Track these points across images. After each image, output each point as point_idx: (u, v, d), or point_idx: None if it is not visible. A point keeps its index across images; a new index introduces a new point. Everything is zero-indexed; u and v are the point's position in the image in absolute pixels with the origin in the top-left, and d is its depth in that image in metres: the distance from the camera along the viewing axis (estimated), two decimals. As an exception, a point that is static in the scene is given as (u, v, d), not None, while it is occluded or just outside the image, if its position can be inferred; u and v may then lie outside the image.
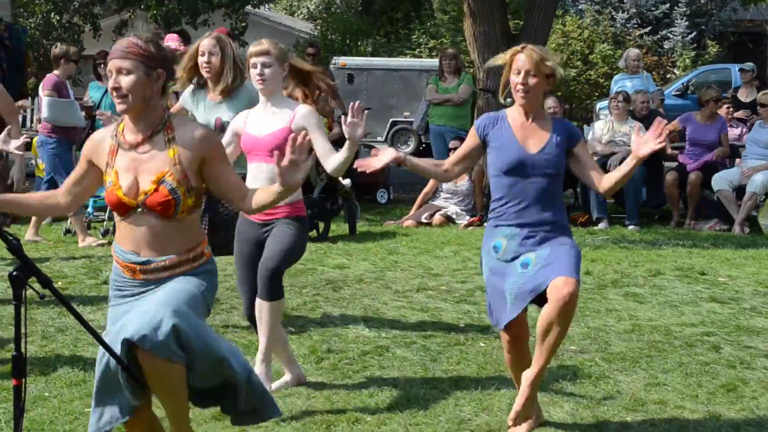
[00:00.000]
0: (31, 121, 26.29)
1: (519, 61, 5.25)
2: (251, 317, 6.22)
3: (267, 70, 5.92)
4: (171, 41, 12.00)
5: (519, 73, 5.23)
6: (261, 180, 5.84)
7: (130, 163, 4.29)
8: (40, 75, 32.21)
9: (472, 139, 5.48)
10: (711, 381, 6.48)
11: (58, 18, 31.35)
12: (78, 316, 4.04)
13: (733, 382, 6.42)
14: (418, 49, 32.52)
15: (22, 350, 3.88)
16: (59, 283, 8.90)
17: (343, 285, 9.19)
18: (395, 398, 6.07)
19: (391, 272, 9.88)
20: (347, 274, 9.73)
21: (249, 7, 33.68)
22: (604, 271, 9.97)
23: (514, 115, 5.39)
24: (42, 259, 10.17)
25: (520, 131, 5.32)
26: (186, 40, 13.56)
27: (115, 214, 4.40)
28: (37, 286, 3.96)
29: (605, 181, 5.33)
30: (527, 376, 5.23)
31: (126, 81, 4.20)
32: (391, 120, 25.84)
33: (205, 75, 6.94)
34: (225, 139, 6.09)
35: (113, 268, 4.51)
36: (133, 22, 31.98)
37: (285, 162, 4.17)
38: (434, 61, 28.84)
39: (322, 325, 7.74)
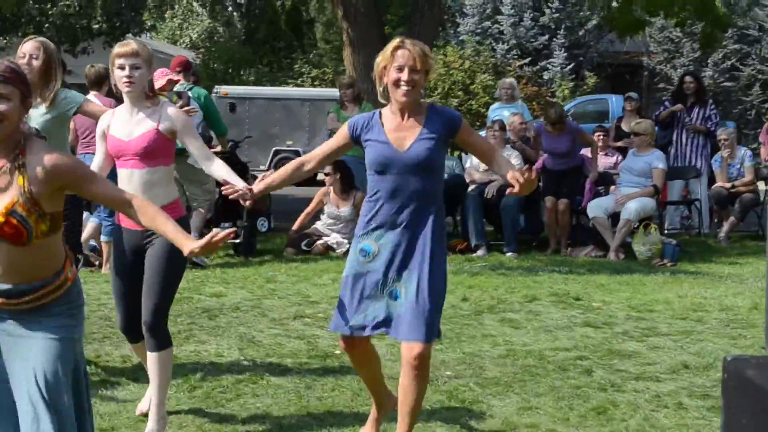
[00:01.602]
0: None
1: (401, 56, 5.14)
2: (126, 330, 6.04)
3: (136, 72, 5.68)
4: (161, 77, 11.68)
5: (402, 69, 5.12)
6: (133, 185, 5.64)
7: None
8: None
9: (342, 138, 5.39)
10: (582, 404, 6.55)
11: (-67, 44, 30.71)
12: None
13: (604, 405, 6.50)
14: (300, 79, 32.58)
15: None
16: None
17: (219, 313, 9.10)
18: (268, 426, 6.02)
19: (268, 300, 9.81)
20: (224, 302, 9.64)
21: (130, 35, 33.41)
22: (480, 297, 10.04)
23: (388, 114, 5.30)
24: None
25: (393, 131, 5.23)
26: (63, 68, 13.38)
27: None
28: None
29: (494, 166, 5.43)
30: None
31: (5, 107, 4.02)
32: (273, 149, 25.80)
33: None
34: (98, 149, 5.93)
35: None
36: (11, 48, 31.47)
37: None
38: (317, 91, 28.99)
39: (197, 354, 7.65)
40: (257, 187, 5.47)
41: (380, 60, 5.24)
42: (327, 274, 11.28)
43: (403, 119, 5.24)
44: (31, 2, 30.25)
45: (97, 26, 31.43)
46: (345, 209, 13.27)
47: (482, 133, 15.70)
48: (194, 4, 43.28)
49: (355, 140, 5.34)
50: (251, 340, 8.14)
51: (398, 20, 32.96)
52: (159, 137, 5.71)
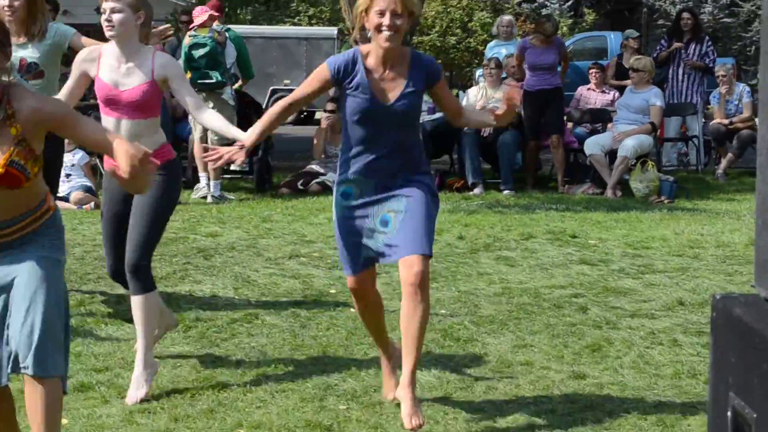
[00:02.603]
0: None
1: (383, 1, 4.90)
2: (116, 275, 5.96)
3: (116, 16, 5.50)
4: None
5: (383, 13, 4.90)
6: (121, 134, 5.32)
7: None
8: None
9: (322, 80, 5.16)
10: (577, 341, 6.55)
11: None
12: None
13: (599, 342, 6.50)
14: (297, 17, 32.32)
15: None
16: None
17: (215, 253, 9.09)
18: (263, 365, 6.03)
19: (264, 240, 9.80)
20: (219, 242, 9.62)
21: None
22: (477, 235, 10.02)
23: (371, 61, 5.08)
24: None
25: (376, 84, 5.06)
26: (55, 9, 13.29)
27: None
28: None
29: (463, 120, 5.44)
30: (403, 384, 5.08)
31: None
32: (271, 88, 25.66)
33: (7, 18, 6.60)
34: (70, 79, 5.78)
35: None
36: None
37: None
38: (314, 29, 28.79)
39: (192, 294, 7.65)
40: (249, 138, 5.33)
41: (360, 3, 5.02)
42: (323, 213, 11.25)
43: (385, 69, 5.06)
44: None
45: (92, -35, 31.17)
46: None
47: (479, 71, 15.67)
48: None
49: (337, 84, 5.15)
50: (246, 279, 8.14)
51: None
52: (152, 88, 5.60)
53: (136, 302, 5.67)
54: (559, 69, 13.99)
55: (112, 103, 5.61)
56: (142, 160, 3.96)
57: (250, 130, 5.37)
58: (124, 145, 4.04)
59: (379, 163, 5.10)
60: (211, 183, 12.52)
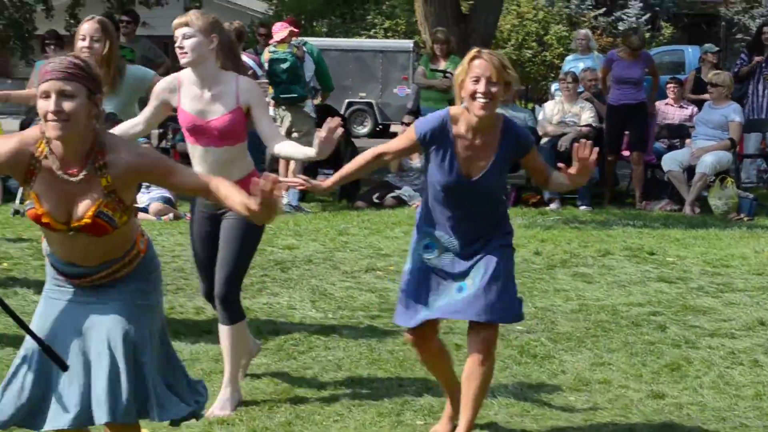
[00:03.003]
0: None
1: (478, 67, 4.79)
2: (208, 296, 5.91)
3: (187, 42, 5.43)
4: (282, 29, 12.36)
5: (478, 80, 4.76)
6: (209, 163, 5.51)
7: (56, 188, 3.98)
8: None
9: (410, 142, 5.05)
10: (655, 360, 6.50)
11: (5, -1, 30.94)
12: (22, 324, 3.92)
13: (678, 362, 6.44)
14: (373, 30, 32.42)
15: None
16: (4, 264, 8.82)
17: (292, 266, 9.15)
18: (340, 379, 6.05)
19: (340, 253, 9.84)
20: (296, 254, 9.68)
21: (203, -14, 33.48)
22: (553, 251, 9.98)
23: (460, 129, 4.93)
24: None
25: (464, 152, 4.92)
26: (135, 20, 13.49)
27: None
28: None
29: (551, 187, 5.33)
30: None
31: (69, 105, 3.85)
32: (347, 101, 25.78)
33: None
34: (149, 108, 5.73)
35: (48, 264, 4.31)
36: (86, 1, 31.71)
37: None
38: (390, 42, 28.85)
39: (269, 306, 7.71)
40: (331, 181, 5.24)
41: (458, 72, 4.91)
42: (399, 226, 11.27)
43: (475, 138, 4.93)
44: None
45: (171, -22, 31.50)
46: (418, 161, 13.23)
47: (555, 85, 15.60)
48: (267, -45, 43.27)
49: (424, 146, 5.01)
50: (323, 292, 8.18)
51: (471, -29, 32.68)
52: (238, 115, 5.51)
53: (225, 332, 5.69)
54: (645, 84, 13.83)
55: (199, 132, 5.54)
56: (271, 190, 3.96)
57: (336, 174, 5.27)
58: (237, 191, 4.05)
59: (461, 226, 5.00)
60: (290, 191, 12.70)
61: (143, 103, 6.07)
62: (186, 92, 5.58)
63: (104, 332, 4.09)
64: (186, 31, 5.44)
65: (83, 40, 6.54)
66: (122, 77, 6.70)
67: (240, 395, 5.72)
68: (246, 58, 11.73)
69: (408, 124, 13.30)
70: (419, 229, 5.15)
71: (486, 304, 4.90)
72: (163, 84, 5.72)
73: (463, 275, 5.03)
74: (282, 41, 12.70)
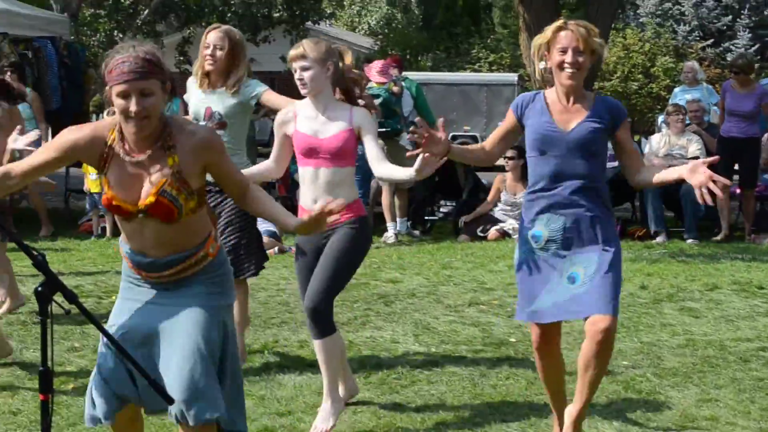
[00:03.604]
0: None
1: (564, 38, 4.93)
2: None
3: (306, 74, 5.66)
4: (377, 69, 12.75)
5: (565, 51, 4.91)
6: (318, 185, 5.69)
7: (127, 171, 4.14)
8: (103, 92, 32.69)
9: (508, 120, 5.21)
10: (765, 397, 6.36)
11: (121, 36, 31.66)
12: (104, 331, 3.99)
13: (788, 399, 6.31)
14: (477, 64, 32.47)
15: (49, 365, 3.86)
16: (113, 297, 8.97)
17: (395, 299, 9.17)
18: (443, 414, 6.03)
19: (444, 286, 9.84)
20: (400, 288, 9.71)
21: (309, 23, 33.89)
22: (660, 285, 9.85)
23: (553, 97, 5.10)
24: (97, 273, 10.26)
25: (557, 112, 5.05)
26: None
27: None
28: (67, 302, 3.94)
29: (640, 178, 5.16)
30: (570, 413, 5.16)
31: (149, 102, 4.03)
32: (451, 134, 25.81)
33: (208, 67, 6.77)
34: (275, 146, 5.96)
35: (123, 262, 4.44)
36: (195, 38, 32.29)
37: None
38: (494, 76, 28.86)
39: (373, 340, 7.73)
40: (453, 149, 5.32)
41: (540, 41, 5.05)
42: (503, 260, 11.23)
43: (568, 102, 5.06)
44: (214, -7, 30.95)
45: (277, 15, 31.96)
46: (521, 195, 13.18)
47: (661, 117, 15.45)
48: (373, -10, 43.66)
49: (519, 119, 5.16)
50: (426, 326, 8.18)
51: (575, 3, 32.56)
52: (351, 136, 5.71)
53: (317, 346, 5.79)
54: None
55: (312, 152, 5.72)
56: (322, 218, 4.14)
57: (452, 146, 5.22)
58: (276, 204, 4.29)
59: (565, 200, 5.04)
60: (398, 220, 12.88)
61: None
62: (302, 116, 5.81)
63: (179, 333, 4.20)
64: (303, 64, 5.66)
65: (207, 48, 6.77)
66: (241, 87, 6.82)
67: (341, 404, 5.86)
68: None
69: (510, 158, 13.33)
70: (524, 222, 5.20)
71: (604, 298, 4.94)
72: (279, 117, 5.96)
73: (571, 263, 5.06)
74: (381, 82, 13.00)
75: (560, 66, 4.96)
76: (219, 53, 6.76)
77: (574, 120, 5.05)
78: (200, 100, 6.87)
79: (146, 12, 31.42)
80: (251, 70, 6.98)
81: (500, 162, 14.29)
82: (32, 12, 16.61)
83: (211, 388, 4.18)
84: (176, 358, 4.16)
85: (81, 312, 3.86)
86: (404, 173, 5.55)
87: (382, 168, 5.71)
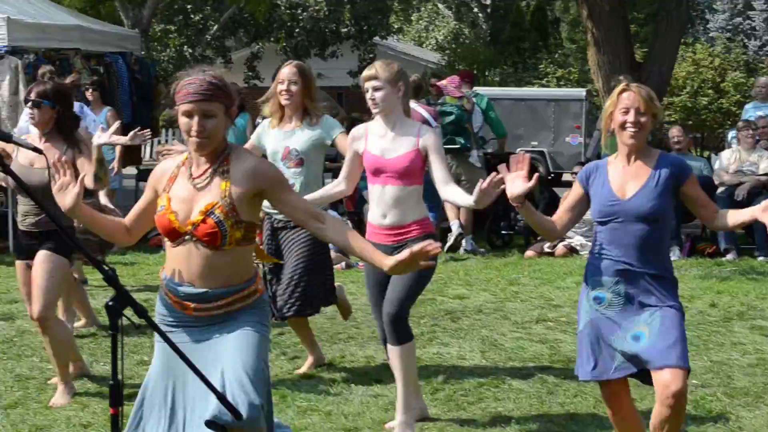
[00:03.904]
0: (151, 155, 26.83)
1: (627, 99, 4.98)
2: (385, 341, 6.09)
3: (378, 94, 5.82)
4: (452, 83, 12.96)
5: (627, 111, 4.95)
6: (386, 201, 5.85)
7: (185, 191, 4.28)
8: (173, 107, 33.08)
9: (575, 190, 5.21)
10: (838, 418, 6.27)
11: (190, 51, 32.03)
12: (173, 346, 4.02)
13: None
14: (545, 79, 32.37)
15: (119, 378, 3.90)
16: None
17: (462, 315, 9.16)
18: (509, 431, 6.01)
19: (511, 303, 9.81)
20: (467, 304, 9.69)
21: (377, 38, 34.03)
22: (730, 303, 9.74)
23: (615, 161, 5.10)
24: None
25: (617, 177, 5.03)
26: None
27: (165, 240, 4.39)
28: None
29: (717, 224, 5.09)
30: None
31: (211, 124, 4.19)
32: (518, 150, 25.72)
33: (284, 103, 6.88)
34: (346, 162, 6.12)
35: (160, 299, 4.48)
36: (264, 54, 32.55)
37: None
38: (562, 91, 28.74)
39: (439, 356, 7.72)
40: (527, 207, 5.30)
41: (607, 106, 5.09)
42: (570, 276, 11.17)
43: (628, 163, 5.05)
44: (282, 8, 31.18)
45: (345, 30, 32.15)
46: (589, 212, 13.09)
47: (732, 133, 15.29)
48: (440, 6, 43.74)
49: (586, 190, 5.15)
50: (493, 343, 8.16)
51: (644, 18, 32.35)
52: (417, 157, 5.85)
53: (394, 352, 5.88)
54: None
55: (380, 170, 5.90)
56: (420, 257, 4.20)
57: (530, 210, 5.16)
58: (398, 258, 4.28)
59: (627, 264, 4.98)
60: (465, 238, 12.93)
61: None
62: (372, 135, 5.98)
63: (233, 354, 4.25)
64: (375, 84, 5.84)
65: (282, 83, 6.89)
66: (318, 121, 6.93)
67: (415, 413, 5.95)
68: (421, 109, 11.97)
69: (577, 174, 13.28)
70: (587, 282, 5.15)
71: (673, 350, 4.85)
72: (352, 134, 6.13)
73: (635, 324, 4.98)
74: (456, 96, 13.11)
75: (623, 126, 4.99)
76: (294, 88, 6.88)
77: (634, 185, 5.01)
78: (278, 140, 6.96)
79: (215, 27, 31.74)
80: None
81: (568, 177, 14.29)
82: (104, 28, 16.83)
83: (262, 410, 4.23)
84: (232, 373, 4.21)
85: (150, 326, 3.89)
86: (465, 201, 5.62)
87: (446, 191, 5.85)
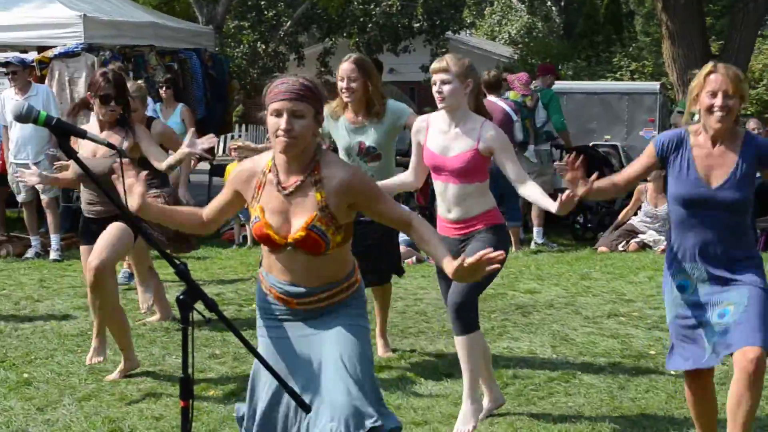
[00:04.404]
0: (224, 150, 27.01)
1: (714, 81, 4.89)
2: None
3: (445, 87, 5.72)
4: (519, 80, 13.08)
5: (714, 94, 4.86)
6: (449, 198, 5.83)
7: (278, 202, 4.25)
8: (246, 103, 33.22)
9: (649, 159, 5.12)
10: None
11: (264, 47, 32.20)
12: (242, 339, 4.03)
13: None
14: (619, 72, 32.07)
15: (189, 372, 3.92)
16: (253, 305, 9.09)
17: (533, 310, 9.12)
18: (580, 426, 5.97)
19: (582, 297, 9.75)
20: (537, 299, 9.65)
21: (449, 33, 33.96)
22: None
23: (699, 141, 5.00)
24: (238, 281, 10.42)
25: (703, 162, 4.95)
26: (378, 68, 13.76)
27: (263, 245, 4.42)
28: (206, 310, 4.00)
29: None
30: None
31: (299, 125, 4.14)
32: (591, 144, 25.53)
33: (346, 99, 6.90)
34: (413, 156, 6.07)
35: (260, 294, 4.50)
36: (336, 49, 32.64)
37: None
38: (636, 84, 28.46)
39: (510, 351, 7.69)
40: (595, 187, 5.27)
41: (693, 86, 4.99)
42: (643, 271, 11.08)
43: (714, 146, 4.97)
44: (355, 3, 31.24)
45: (417, 25, 32.11)
46: (662, 208, 12.98)
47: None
48: (513, 0, 43.54)
49: (662, 159, 5.07)
50: (564, 337, 8.11)
51: (720, 10, 31.94)
52: (476, 157, 5.76)
53: (460, 342, 5.82)
54: None
55: (439, 169, 5.85)
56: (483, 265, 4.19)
57: (597, 182, 5.19)
58: (439, 242, 4.36)
59: (708, 249, 4.96)
60: (535, 230, 12.87)
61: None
62: (433, 130, 5.91)
63: (337, 354, 4.27)
64: (444, 77, 5.74)
65: (342, 80, 6.90)
66: (385, 111, 6.95)
67: (480, 405, 5.93)
68: (502, 103, 12.32)
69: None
70: (669, 270, 5.13)
71: (755, 329, 4.83)
72: (414, 126, 6.07)
73: (720, 302, 4.97)
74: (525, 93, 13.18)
75: (709, 110, 4.91)
76: (353, 84, 6.87)
77: (721, 173, 4.95)
78: (350, 136, 7.00)
79: (288, 23, 31.88)
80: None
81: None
82: (178, 25, 16.97)
83: (372, 403, 4.25)
84: (333, 374, 4.24)
85: (221, 320, 3.92)
86: (546, 204, 5.52)
87: (525, 190, 5.73)
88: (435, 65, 5.84)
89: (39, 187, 11.19)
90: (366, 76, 6.89)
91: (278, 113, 4.15)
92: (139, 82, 9.13)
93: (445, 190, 5.86)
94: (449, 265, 4.25)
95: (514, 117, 12.60)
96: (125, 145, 6.59)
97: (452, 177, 5.80)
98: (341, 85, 6.89)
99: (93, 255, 6.63)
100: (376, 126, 6.94)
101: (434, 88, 5.79)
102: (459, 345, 5.85)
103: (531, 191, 5.70)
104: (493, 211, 5.88)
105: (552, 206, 5.38)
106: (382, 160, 7.00)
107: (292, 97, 4.14)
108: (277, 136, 4.16)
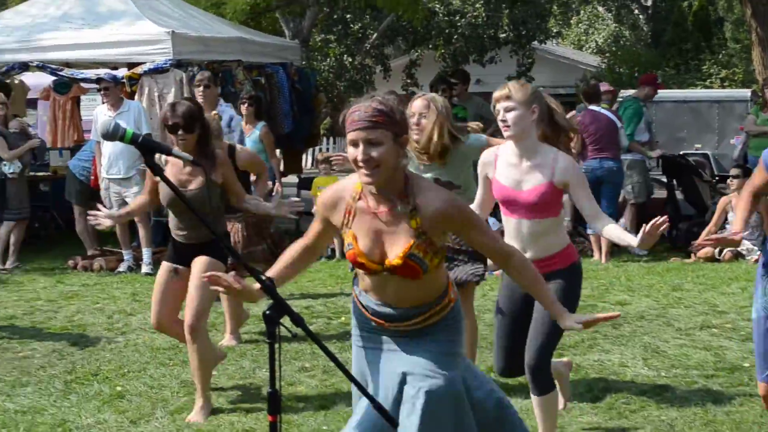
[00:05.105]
0: (312, 163, 27.16)
1: None
2: (503, 372, 5.83)
3: (509, 115, 5.31)
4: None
5: None
6: (521, 235, 5.44)
7: (370, 228, 4.16)
8: (334, 116, 33.38)
9: (762, 174, 4.99)
10: None
11: (350, 60, 32.34)
12: (329, 354, 4.03)
13: None
14: (709, 80, 31.70)
15: (277, 387, 3.92)
16: (342, 318, 9.13)
17: (624, 322, 9.02)
18: (672, 440, 5.91)
19: (674, 309, 9.62)
20: (628, 310, 9.54)
21: (535, 43, 33.83)
22: None
23: None
24: (327, 295, 10.47)
25: None
26: (465, 80, 13.72)
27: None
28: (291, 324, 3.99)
29: None
30: None
31: (377, 152, 4.00)
32: (682, 152, 25.25)
33: (415, 137, 6.62)
34: (480, 188, 5.74)
35: (355, 307, 4.47)
36: (422, 61, 32.69)
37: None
38: (726, 92, 28.10)
39: (600, 363, 7.61)
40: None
41: None
42: (736, 282, 10.92)
43: None
44: (440, 15, 31.27)
45: (503, 35, 32.02)
46: (753, 217, 12.77)
47: None
48: (600, 8, 43.26)
49: None
50: (656, 350, 8.01)
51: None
52: (550, 190, 5.39)
53: (537, 402, 5.59)
54: None
55: (511, 203, 5.49)
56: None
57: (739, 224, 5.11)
58: (544, 286, 4.40)
59: None
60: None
61: None
62: (502, 162, 5.54)
63: (418, 382, 4.21)
64: (507, 105, 5.35)
65: (412, 116, 6.63)
66: (455, 149, 6.71)
67: None
68: (606, 112, 12.91)
69: (736, 177, 12.95)
70: (761, 273, 5.04)
71: None
72: (482, 158, 5.71)
73: None
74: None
75: None
76: (424, 121, 6.65)
77: None
78: (421, 172, 6.63)
79: (374, 36, 32.00)
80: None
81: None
82: (265, 39, 17.11)
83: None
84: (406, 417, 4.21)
85: (307, 335, 3.93)
86: (626, 240, 5.32)
87: (601, 226, 5.41)
88: (497, 93, 5.46)
89: (129, 200, 11.33)
90: (437, 114, 6.62)
91: (354, 144, 4.04)
92: (213, 113, 9.01)
93: (518, 228, 5.48)
94: (565, 322, 4.30)
95: (618, 124, 12.81)
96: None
97: (526, 212, 5.43)
98: (411, 121, 6.58)
99: (186, 311, 6.50)
100: (445, 166, 6.73)
101: (498, 117, 5.41)
102: (536, 404, 5.60)
103: (607, 228, 5.38)
104: (569, 248, 5.54)
105: (633, 241, 5.18)
106: (462, 189, 6.69)
107: (365, 126, 4.01)
108: (358, 168, 4.06)
